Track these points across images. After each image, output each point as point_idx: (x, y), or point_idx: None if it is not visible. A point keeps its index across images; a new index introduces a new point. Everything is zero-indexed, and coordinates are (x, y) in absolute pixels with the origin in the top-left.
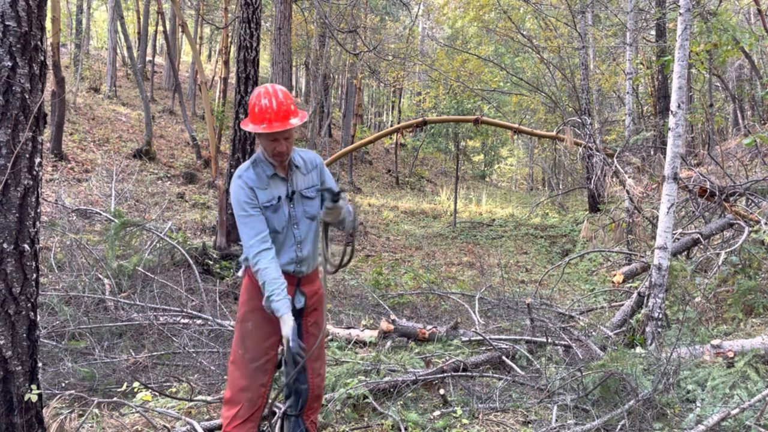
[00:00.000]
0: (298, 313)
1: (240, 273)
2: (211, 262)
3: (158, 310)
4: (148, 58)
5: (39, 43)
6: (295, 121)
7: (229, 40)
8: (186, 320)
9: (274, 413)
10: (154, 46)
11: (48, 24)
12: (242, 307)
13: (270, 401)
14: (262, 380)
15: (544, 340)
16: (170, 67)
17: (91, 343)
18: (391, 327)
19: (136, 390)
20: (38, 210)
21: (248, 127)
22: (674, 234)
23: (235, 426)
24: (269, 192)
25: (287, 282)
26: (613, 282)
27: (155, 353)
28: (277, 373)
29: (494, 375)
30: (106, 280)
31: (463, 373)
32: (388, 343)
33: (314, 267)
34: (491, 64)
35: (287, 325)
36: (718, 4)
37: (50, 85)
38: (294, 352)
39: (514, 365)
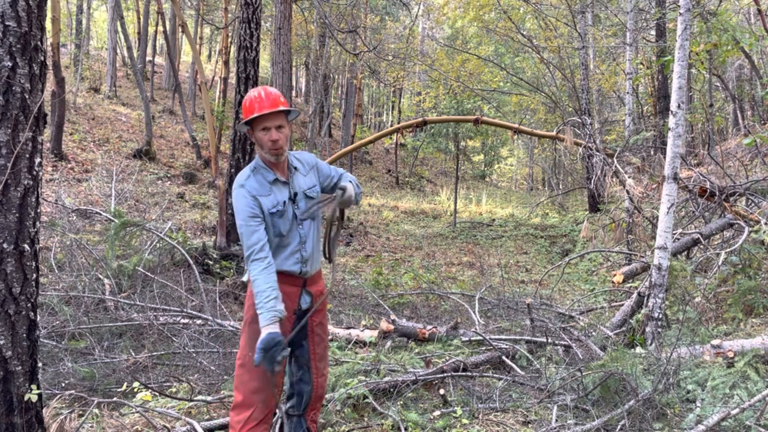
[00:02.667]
0: (303, 313)
1: (245, 278)
2: (211, 262)
3: (158, 310)
4: (148, 58)
5: (39, 43)
6: (283, 108)
7: (229, 40)
8: (186, 320)
9: (275, 413)
10: (154, 46)
11: (48, 24)
12: (249, 310)
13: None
14: (273, 381)
15: (544, 340)
16: (170, 67)
17: (91, 343)
18: (391, 327)
19: (136, 390)
20: (38, 210)
21: (241, 126)
22: (674, 234)
23: (250, 428)
24: (273, 198)
25: (293, 284)
26: (613, 282)
27: (155, 353)
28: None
29: (494, 375)
30: (106, 280)
31: (463, 373)
32: (388, 343)
33: (318, 267)
34: (491, 64)
35: (262, 335)
36: (718, 4)
37: (50, 85)
38: (262, 362)
39: (514, 365)
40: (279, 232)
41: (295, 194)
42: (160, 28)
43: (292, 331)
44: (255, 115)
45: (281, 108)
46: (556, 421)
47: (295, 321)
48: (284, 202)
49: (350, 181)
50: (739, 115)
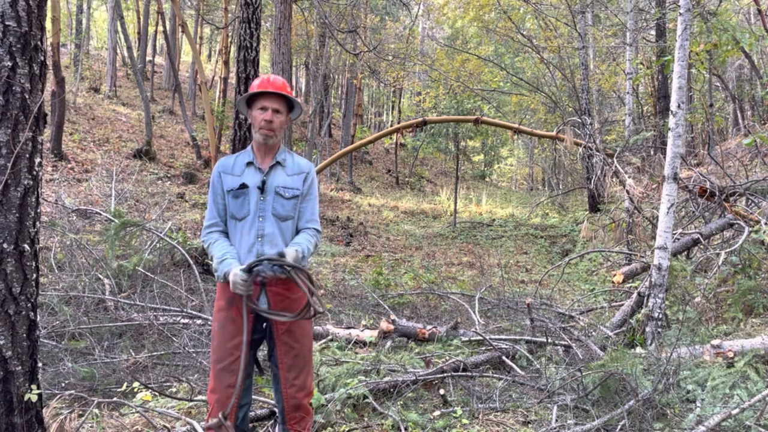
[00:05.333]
0: (265, 317)
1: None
2: (211, 262)
3: (158, 310)
4: (148, 58)
5: (39, 43)
6: (287, 95)
7: (229, 40)
8: (186, 320)
9: (274, 413)
10: (154, 46)
11: (48, 24)
12: (214, 307)
13: (233, 402)
14: (229, 381)
15: (544, 340)
16: (170, 67)
17: (91, 343)
18: (391, 327)
19: (136, 390)
20: (38, 210)
21: (242, 105)
22: (674, 234)
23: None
24: (238, 179)
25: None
26: (613, 282)
27: (155, 353)
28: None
29: (494, 375)
30: (106, 280)
31: (463, 373)
32: (388, 343)
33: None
34: (491, 64)
35: (233, 274)
36: (718, 4)
37: (50, 85)
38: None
39: (514, 365)
40: (232, 214)
41: (264, 183)
42: (160, 28)
43: (251, 331)
44: (257, 90)
45: (283, 93)
46: (556, 421)
47: (255, 320)
48: (245, 185)
49: (297, 248)
50: (739, 115)
